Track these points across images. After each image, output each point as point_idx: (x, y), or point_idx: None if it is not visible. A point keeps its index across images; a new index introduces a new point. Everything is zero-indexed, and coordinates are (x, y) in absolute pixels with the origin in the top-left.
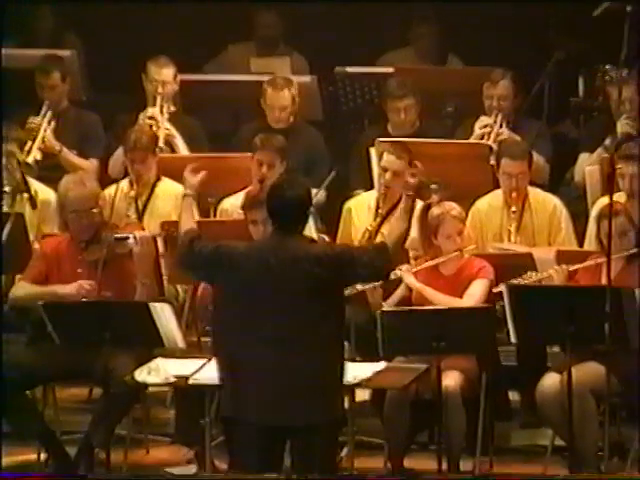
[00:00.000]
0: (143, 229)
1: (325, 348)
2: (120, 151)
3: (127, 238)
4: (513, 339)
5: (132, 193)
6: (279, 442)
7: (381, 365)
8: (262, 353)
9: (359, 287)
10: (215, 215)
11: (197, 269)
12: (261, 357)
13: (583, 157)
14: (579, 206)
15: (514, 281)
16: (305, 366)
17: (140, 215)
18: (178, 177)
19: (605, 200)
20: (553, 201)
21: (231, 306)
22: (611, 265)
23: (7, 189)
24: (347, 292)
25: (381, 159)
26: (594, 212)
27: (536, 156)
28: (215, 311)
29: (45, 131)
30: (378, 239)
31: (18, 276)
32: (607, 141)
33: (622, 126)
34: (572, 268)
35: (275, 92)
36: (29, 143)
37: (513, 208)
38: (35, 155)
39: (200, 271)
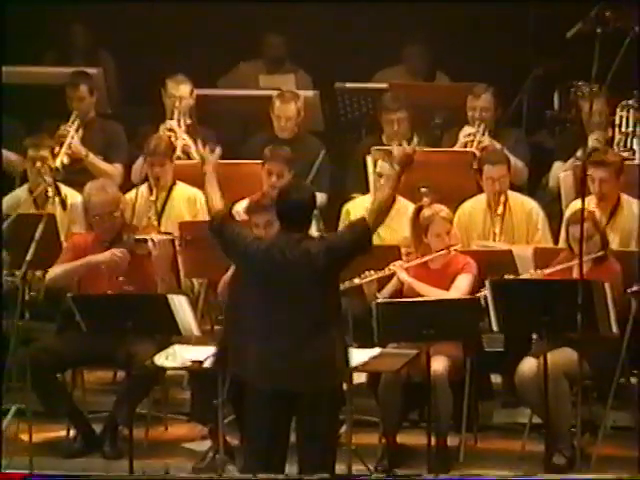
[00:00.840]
0: (160, 232)
1: (325, 327)
2: (142, 159)
3: (146, 241)
4: (495, 327)
5: (151, 197)
6: (286, 409)
7: (376, 351)
8: (273, 331)
9: (356, 281)
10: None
11: (222, 241)
12: (272, 334)
13: (557, 165)
14: (554, 208)
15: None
16: (309, 341)
17: (158, 216)
18: (193, 182)
19: (576, 205)
20: (531, 204)
21: (246, 293)
22: (581, 263)
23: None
24: (345, 285)
25: (376, 166)
26: (567, 214)
27: (515, 160)
28: (230, 297)
29: (72, 138)
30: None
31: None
32: (579, 153)
33: (592, 141)
34: (547, 271)
35: (283, 104)
36: (57, 148)
37: (499, 210)
38: (63, 159)
39: (223, 243)
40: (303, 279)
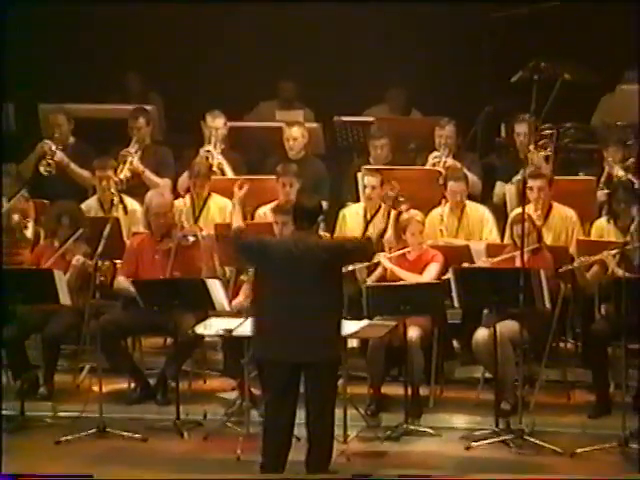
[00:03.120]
0: (201, 231)
1: (329, 310)
2: (185, 175)
3: (189, 235)
4: (456, 304)
5: (191, 205)
6: (296, 374)
7: (365, 322)
8: (287, 313)
9: (350, 268)
10: (252, 218)
11: (242, 253)
12: (285, 317)
13: (499, 183)
14: (499, 213)
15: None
16: (316, 321)
17: (196, 220)
18: (225, 193)
19: (518, 209)
20: (483, 209)
21: (266, 281)
22: (522, 255)
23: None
24: (343, 271)
25: (364, 180)
26: (511, 217)
27: (471, 177)
28: (254, 285)
29: (133, 158)
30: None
31: (118, 265)
32: (519, 174)
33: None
34: (496, 261)
35: (289, 128)
36: (120, 166)
37: (459, 215)
38: (125, 174)
39: (243, 255)
40: (310, 269)
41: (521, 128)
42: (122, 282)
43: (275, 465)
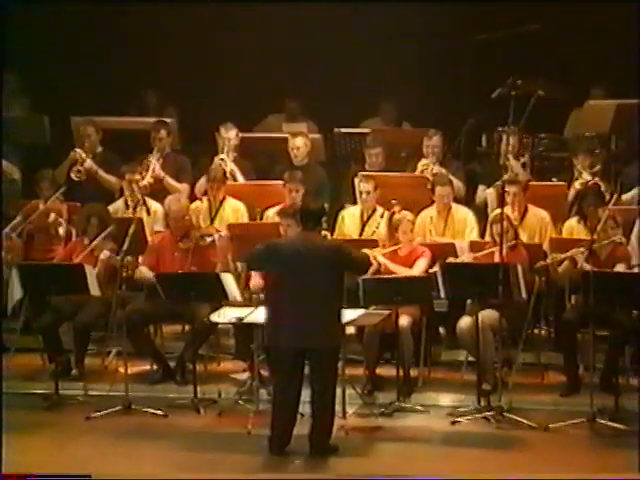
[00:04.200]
0: (217, 231)
1: (331, 302)
2: (202, 180)
3: (207, 236)
4: (442, 295)
5: (207, 207)
6: (301, 359)
7: (361, 311)
8: (294, 305)
9: None
10: (261, 219)
11: (256, 267)
12: (293, 308)
13: (481, 187)
14: (481, 215)
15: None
16: (319, 313)
17: (212, 220)
18: (237, 196)
19: (497, 211)
20: (467, 211)
21: (276, 277)
22: (501, 251)
23: (131, 202)
24: None
25: (360, 185)
26: (491, 217)
27: (456, 182)
28: (266, 280)
29: (155, 165)
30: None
31: (140, 259)
32: (499, 181)
33: (512, 166)
34: (478, 256)
35: (294, 138)
36: (144, 172)
37: (445, 216)
38: (148, 179)
39: (258, 267)
40: (315, 265)
41: (504, 139)
42: (143, 271)
43: (282, 438)
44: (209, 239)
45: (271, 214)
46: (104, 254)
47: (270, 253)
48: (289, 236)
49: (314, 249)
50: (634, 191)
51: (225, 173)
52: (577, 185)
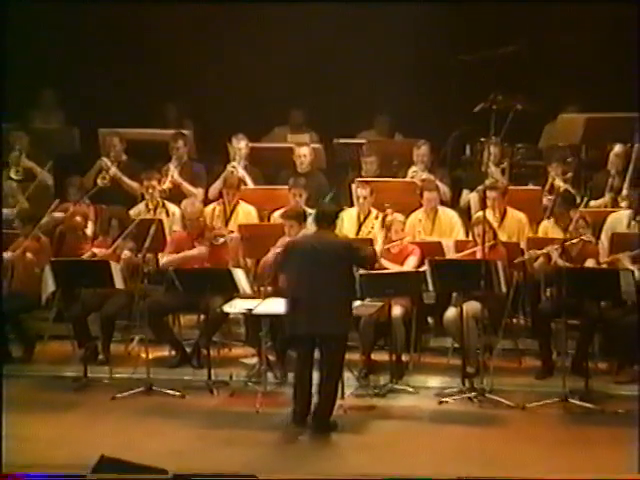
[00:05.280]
0: (231, 232)
1: (343, 293)
2: (216, 184)
3: (220, 237)
4: (430, 288)
5: (221, 210)
6: (312, 345)
7: (358, 302)
8: (309, 297)
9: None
10: (269, 220)
11: (281, 270)
12: (308, 298)
13: (465, 192)
14: (465, 216)
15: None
16: (332, 303)
17: (227, 222)
18: (247, 200)
19: (479, 214)
20: (452, 213)
21: (294, 271)
22: (483, 249)
23: (151, 205)
24: None
25: (357, 190)
26: (473, 219)
27: (443, 187)
28: (287, 276)
29: (173, 172)
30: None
31: (160, 255)
32: (481, 186)
33: (492, 173)
34: (462, 254)
35: (298, 148)
36: (163, 179)
37: (433, 218)
38: (167, 184)
39: (281, 268)
40: (329, 261)
41: (486, 148)
42: (168, 257)
43: (303, 409)
44: (222, 239)
45: (277, 216)
46: (124, 254)
47: (289, 252)
48: (306, 234)
49: (328, 245)
50: (601, 201)
51: (239, 181)
52: (550, 190)
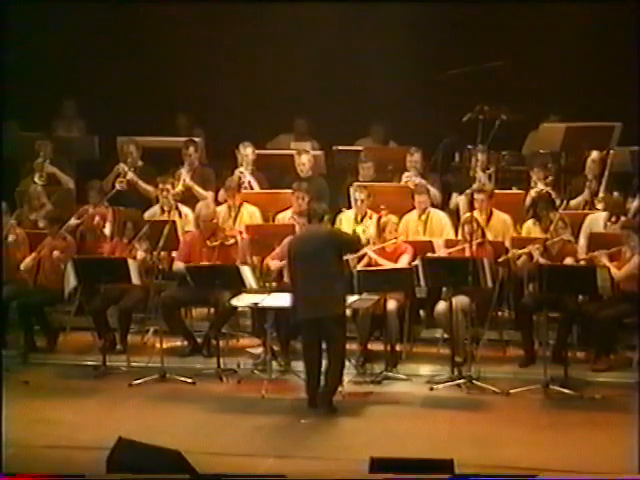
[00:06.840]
0: (240, 232)
1: (336, 280)
2: (223, 190)
3: (232, 237)
4: (422, 283)
5: (229, 212)
6: (316, 327)
7: (355, 297)
8: (304, 283)
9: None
10: (274, 221)
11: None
12: (304, 285)
13: (454, 195)
14: (454, 217)
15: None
16: (327, 288)
17: (233, 223)
18: (254, 202)
19: (467, 215)
20: (443, 215)
21: (294, 262)
22: (471, 247)
23: (165, 208)
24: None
25: (354, 193)
26: (462, 219)
27: (434, 191)
28: (289, 268)
29: (185, 177)
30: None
31: (174, 254)
32: (469, 189)
33: (480, 178)
34: (451, 251)
35: (299, 156)
36: (176, 182)
37: (424, 219)
38: (180, 188)
39: (287, 257)
40: (320, 251)
41: (474, 155)
42: (178, 265)
43: (314, 386)
44: (232, 240)
45: (281, 217)
46: (139, 254)
47: (289, 246)
48: (304, 229)
49: (316, 235)
50: (579, 198)
51: (243, 184)
52: (533, 193)
